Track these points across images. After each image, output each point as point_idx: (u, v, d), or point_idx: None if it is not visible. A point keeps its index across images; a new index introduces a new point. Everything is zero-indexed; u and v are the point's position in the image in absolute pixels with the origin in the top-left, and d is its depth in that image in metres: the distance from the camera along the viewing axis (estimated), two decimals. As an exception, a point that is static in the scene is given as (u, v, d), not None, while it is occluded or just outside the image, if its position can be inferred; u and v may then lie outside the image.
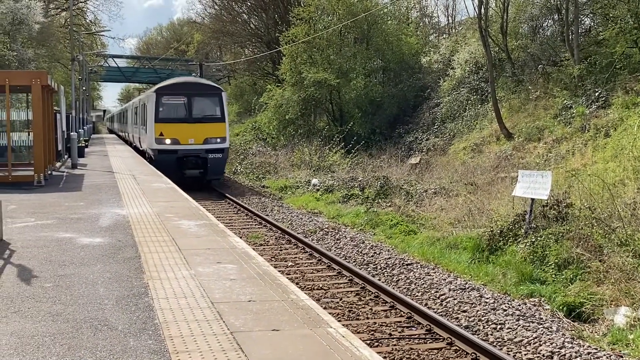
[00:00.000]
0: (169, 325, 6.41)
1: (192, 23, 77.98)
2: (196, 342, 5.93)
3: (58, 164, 27.19)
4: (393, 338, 10.16)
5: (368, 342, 9.67)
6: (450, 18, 53.49)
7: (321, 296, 12.32)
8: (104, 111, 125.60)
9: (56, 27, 46.70)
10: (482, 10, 30.58)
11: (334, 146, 33.68)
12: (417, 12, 49.12)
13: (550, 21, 33.57)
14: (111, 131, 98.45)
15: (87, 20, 60.77)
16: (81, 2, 56.37)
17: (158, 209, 14.53)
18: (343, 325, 7.57)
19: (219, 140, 28.40)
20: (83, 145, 34.95)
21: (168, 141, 27.99)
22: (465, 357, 9.51)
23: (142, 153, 34.09)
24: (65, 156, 31.15)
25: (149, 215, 13.51)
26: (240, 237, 14.62)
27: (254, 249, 12.46)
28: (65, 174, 24.13)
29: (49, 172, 22.56)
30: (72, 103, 36.01)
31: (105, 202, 15.76)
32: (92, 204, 15.34)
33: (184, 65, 76.28)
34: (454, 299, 12.12)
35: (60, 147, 29.72)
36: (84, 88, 56.45)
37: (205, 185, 28.95)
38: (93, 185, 19.59)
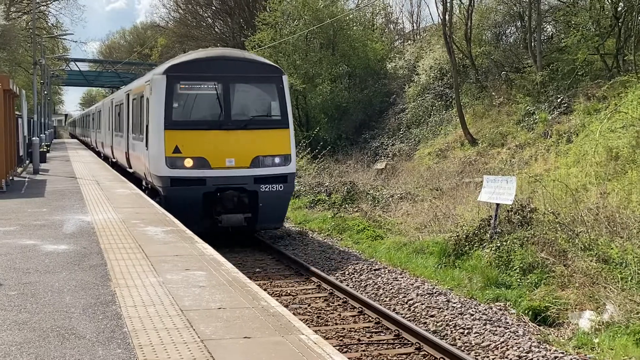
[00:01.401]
0: (138, 333, 6.33)
1: (156, 27, 77.44)
2: (167, 350, 5.86)
3: (19, 170, 26.77)
4: (362, 344, 10.17)
5: (337, 347, 9.67)
6: (415, 24, 53.90)
7: (289, 302, 12.29)
8: (66, 115, 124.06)
9: (17, 30, 46.02)
10: (447, 17, 30.86)
11: (300, 151, 33.66)
12: (382, 18, 49.37)
13: (513, 28, 33.99)
14: (73, 136, 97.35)
15: (49, 24, 60.02)
16: (43, 5, 55.66)
17: (123, 215, 14.37)
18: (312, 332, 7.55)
19: (277, 160, 17.07)
20: (45, 150, 34.43)
21: (189, 162, 16.59)
22: (434, 362, 9.55)
23: (132, 177, 22.94)
24: (27, 161, 30.69)
25: (114, 222, 13.35)
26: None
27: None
28: (27, 179, 23.75)
29: (11, 178, 22.19)
30: (34, 107, 35.41)
31: (68, 208, 15.54)
32: (56, 210, 15.11)
33: (148, 69, 75.70)
34: (422, 304, 12.18)
35: (21, 152, 29.27)
36: (45, 92, 55.69)
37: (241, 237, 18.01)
38: (56, 191, 19.31)
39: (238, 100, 17.39)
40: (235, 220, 16.49)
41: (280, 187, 16.89)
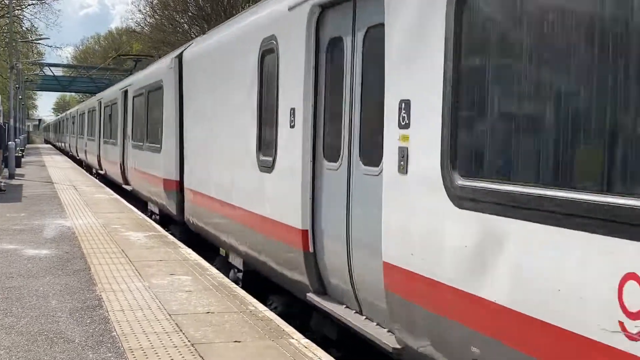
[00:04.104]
0: (128, 337, 6.29)
1: (132, 32, 77.02)
2: (157, 354, 5.83)
3: (-6, 174, 26.47)
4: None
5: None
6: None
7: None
8: (39, 121, 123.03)
9: (-8, 34, 45.58)
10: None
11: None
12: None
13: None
14: (47, 141, 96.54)
15: (24, 28, 59.46)
16: (18, 9, 55.20)
17: (103, 220, 14.28)
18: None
19: None
20: (20, 155, 34.08)
21: None
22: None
23: None
24: (2, 166, 30.32)
25: (94, 227, 13.26)
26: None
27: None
28: (2, 184, 23.47)
29: (-14, 183, 21.94)
30: (10, 112, 35.03)
31: (47, 213, 15.40)
32: (35, 215, 14.97)
33: (123, 75, 75.29)
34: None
35: (-4, 157, 28.93)
36: (20, 97, 55.18)
37: None
38: (33, 196, 19.13)
39: None
40: None
41: None
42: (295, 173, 7.10)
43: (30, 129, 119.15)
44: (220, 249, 10.50)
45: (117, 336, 6.32)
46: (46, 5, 55.74)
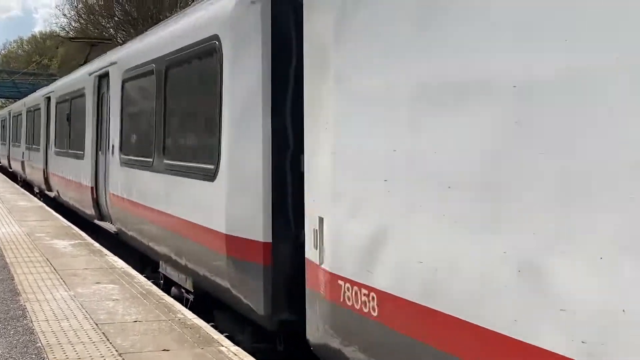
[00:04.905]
0: (53, 348, 6.17)
1: (56, 37, 75.37)
2: (84, 364, 5.75)
3: None
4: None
5: None
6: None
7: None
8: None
9: None
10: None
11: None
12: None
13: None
14: None
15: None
16: None
17: (28, 228, 13.93)
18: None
19: None
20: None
21: None
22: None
23: None
24: None
25: (18, 235, 12.93)
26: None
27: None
28: None
29: None
30: None
31: (-32, 221, 14.95)
32: (-46, 224, 14.51)
33: (47, 79, 73.51)
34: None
35: None
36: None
37: None
38: (-48, 204, 18.52)
39: None
40: None
41: None
42: None
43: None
44: None
45: (42, 347, 6.19)
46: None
